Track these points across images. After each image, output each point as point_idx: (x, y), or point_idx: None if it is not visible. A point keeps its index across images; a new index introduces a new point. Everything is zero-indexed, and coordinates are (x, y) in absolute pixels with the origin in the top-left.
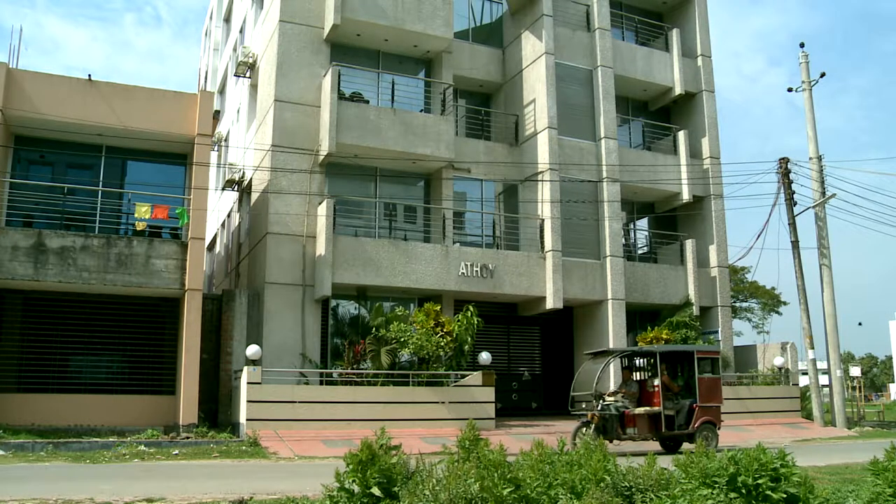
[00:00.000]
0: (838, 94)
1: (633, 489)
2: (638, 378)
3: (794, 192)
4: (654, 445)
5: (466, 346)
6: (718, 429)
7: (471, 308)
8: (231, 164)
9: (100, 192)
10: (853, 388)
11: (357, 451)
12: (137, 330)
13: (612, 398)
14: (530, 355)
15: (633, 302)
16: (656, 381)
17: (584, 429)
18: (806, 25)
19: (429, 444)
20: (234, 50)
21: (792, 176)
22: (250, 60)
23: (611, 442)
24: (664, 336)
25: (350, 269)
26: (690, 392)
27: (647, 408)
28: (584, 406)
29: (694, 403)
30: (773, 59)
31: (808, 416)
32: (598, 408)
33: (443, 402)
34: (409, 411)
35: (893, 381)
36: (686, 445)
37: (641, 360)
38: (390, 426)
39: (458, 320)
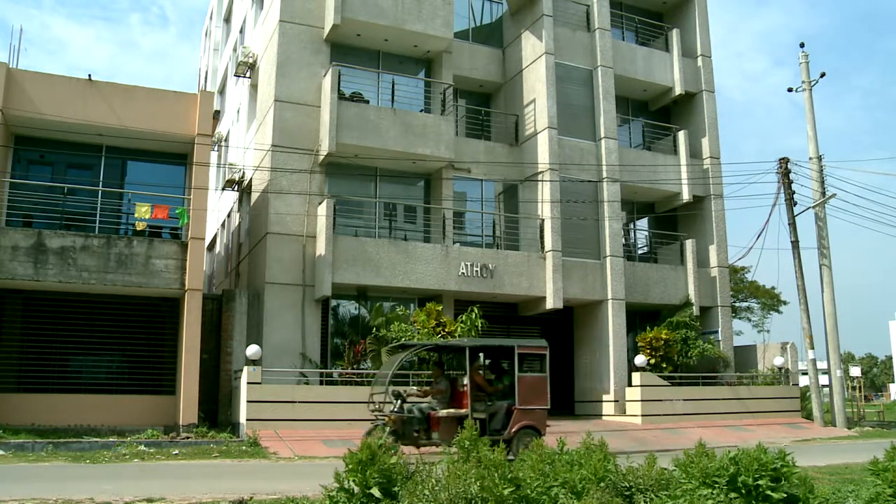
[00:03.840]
0: (841, 95)
1: (633, 489)
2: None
3: (794, 192)
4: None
5: None
6: (543, 435)
7: (475, 310)
8: (231, 164)
9: (100, 192)
10: (853, 388)
11: (357, 450)
12: (137, 330)
13: (417, 398)
14: None
15: (633, 302)
16: (466, 380)
17: (377, 432)
18: (809, 25)
19: None
20: (234, 50)
21: (792, 176)
22: (250, 60)
23: (417, 447)
24: (663, 336)
25: (350, 269)
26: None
27: (453, 410)
28: (378, 406)
29: (513, 406)
30: (775, 60)
31: (808, 416)
32: (396, 408)
33: None
34: None
35: (893, 381)
36: None
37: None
38: None
39: (462, 321)
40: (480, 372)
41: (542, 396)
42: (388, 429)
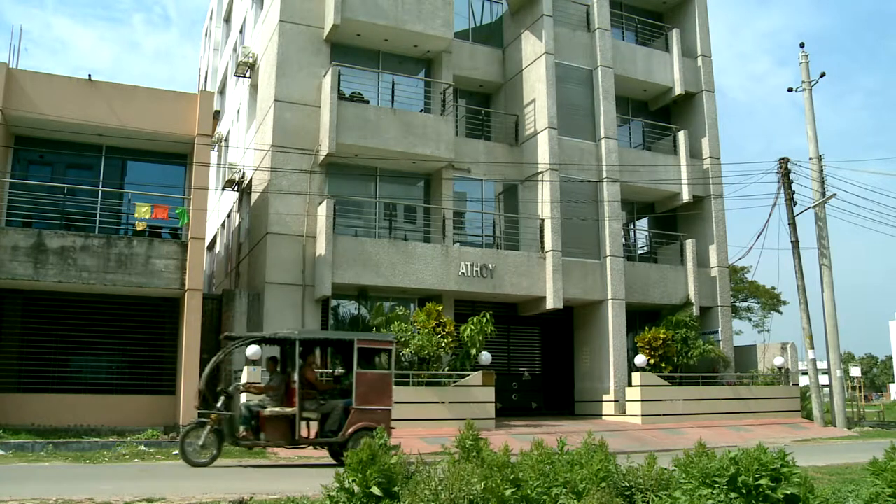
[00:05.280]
0: (845, 95)
1: (633, 489)
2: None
3: (794, 192)
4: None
5: (474, 350)
6: (388, 437)
7: (487, 315)
8: (231, 164)
9: (100, 192)
10: (853, 389)
11: (357, 450)
12: (137, 330)
13: (256, 394)
14: (530, 355)
15: (633, 302)
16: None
17: (196, 431)
18: (812, 25)
19: (429, 444)
20: (234, 50)
21: (792, 176)
22: (250, 60)
23: (250, 449)
24: (662, 335)
25: (350, 269)
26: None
27: (279, 408)
28: (199, 403)
29: (352, 405)
30: (779, 60)
31: (808, 416)
32: (220, 406)
33: (443, 402)
34: (409, 411)
35: (893, 381)
36: None
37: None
38: None
39: (473, 325)
40: (315, 367)
41: (384, 395)
42: (208, 427)
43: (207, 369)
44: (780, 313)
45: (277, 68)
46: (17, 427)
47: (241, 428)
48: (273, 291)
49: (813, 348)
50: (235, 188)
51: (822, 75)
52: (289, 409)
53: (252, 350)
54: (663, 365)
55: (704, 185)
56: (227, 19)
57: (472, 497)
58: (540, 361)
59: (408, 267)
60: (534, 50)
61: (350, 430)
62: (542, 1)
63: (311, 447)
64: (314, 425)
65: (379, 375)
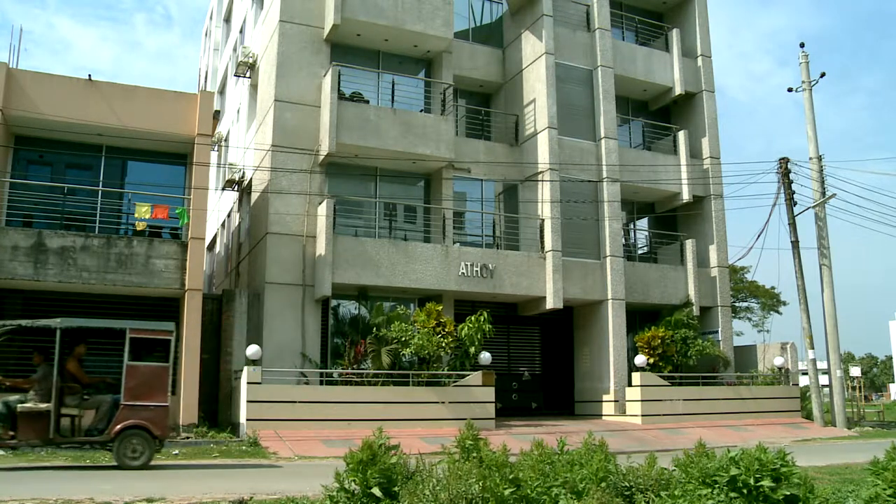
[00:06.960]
0: (845, 95)
1: (633, 489)
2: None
3: (794, 192)
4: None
5: (472, 349)
6: (162, 437)
7: (485, 314)
8: (231, 164)
9: (100, 192)
10: (853, 388)
11: (357, 450)
12: None
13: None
14: (530, 355)
15: (633, 302)
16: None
17: None
18: (813, 25)
19: (429, 444)
20: (234, 50)
21: (792, 176)
22: (250, 60)
23: (14, 449)
24: (660, 334)
25: (350, 269)
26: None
27: (33, 404)
28: None
29: (120, 401)
30: (780, 60)
31: (808, 416)
32: None
33: (443, 402)
34: (409, 411)
35: (893, 381)
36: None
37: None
38: (390, 426)
39: (471, 323)
40: (76, 359)
41: (159, 391)
42: None
43: None
44: (780, 313)
45: (277, 68)
46: None
47: None
48: (273, 291)
49: (813, 348)
50: (235, 188)
51: (823, 75)
52: (43, 405)
53: (252, 350)
54: (663, 365)
55: (704, 185)
56: (228, 19)
57: (471, 497)
58: (540, 361)
59: (408, 267)
60: (534, 50)
61: (117, 427)
62: (542, 1)
63: (37, 445)
64: (85, 422)
65: (153, 369)
